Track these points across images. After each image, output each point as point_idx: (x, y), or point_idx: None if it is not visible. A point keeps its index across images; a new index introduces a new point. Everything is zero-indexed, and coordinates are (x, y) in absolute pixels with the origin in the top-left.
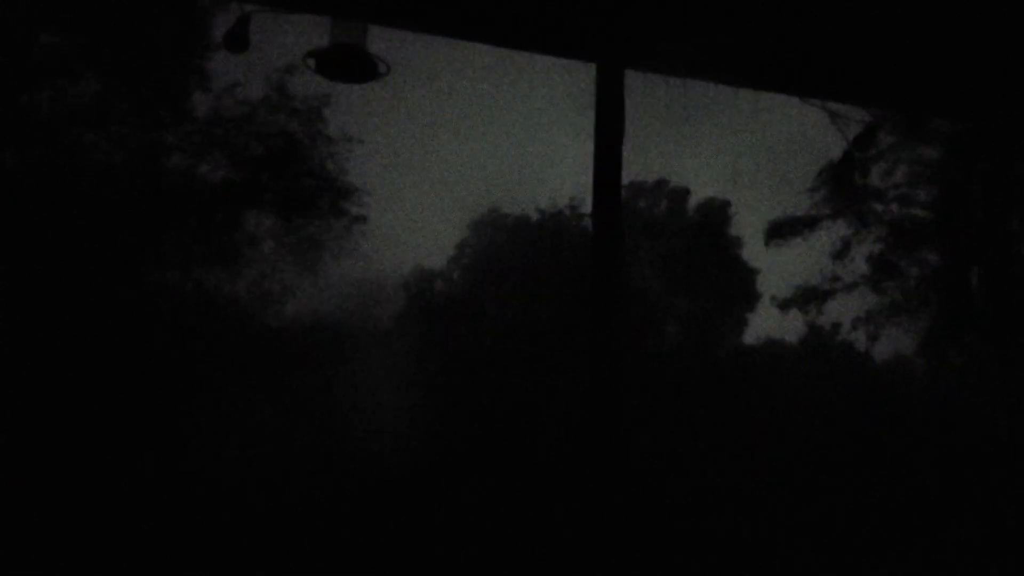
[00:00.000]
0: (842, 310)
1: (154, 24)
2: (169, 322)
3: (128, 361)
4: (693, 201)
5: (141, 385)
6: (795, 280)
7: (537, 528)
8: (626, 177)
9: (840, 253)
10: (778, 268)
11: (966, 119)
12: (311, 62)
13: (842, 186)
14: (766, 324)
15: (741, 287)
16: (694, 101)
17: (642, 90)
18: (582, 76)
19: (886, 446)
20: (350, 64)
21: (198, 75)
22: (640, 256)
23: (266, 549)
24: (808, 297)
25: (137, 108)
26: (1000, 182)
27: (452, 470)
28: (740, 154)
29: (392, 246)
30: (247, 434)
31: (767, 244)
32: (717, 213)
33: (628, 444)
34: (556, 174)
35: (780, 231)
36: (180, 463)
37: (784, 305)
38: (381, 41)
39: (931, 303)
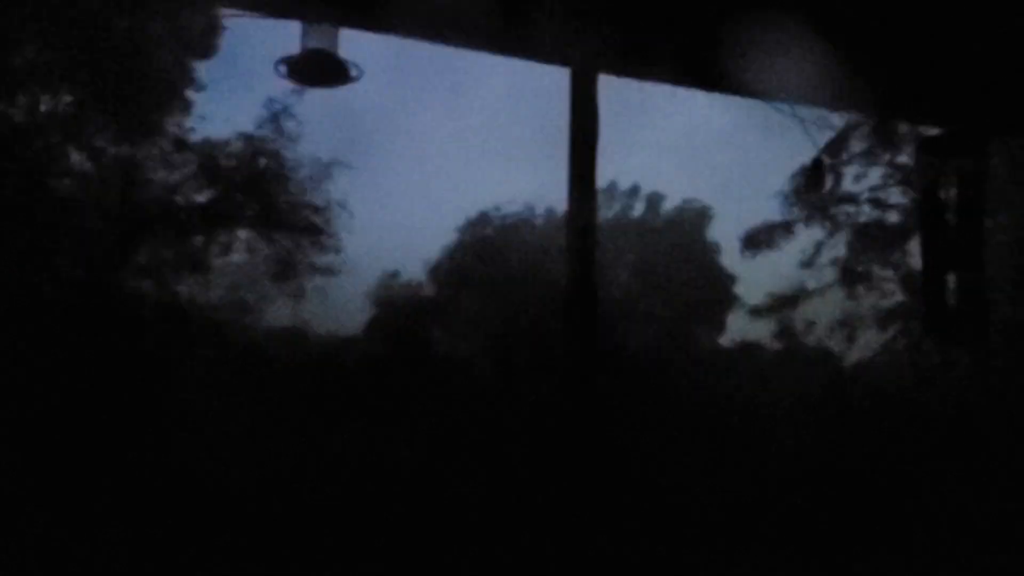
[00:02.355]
0: (818, 313)
1: (133, 37)
2: (142, 330)
3: (100, 367)
4: (671, 206)
5: (115, 389)
6: (771, 284)
7: (515, 528)
8: (603, 180)
9: (814, 258)
10: (756, 273)
11: (939, 122)
12: (283, 69)
13: (814, 191)
14: (743, 328)
15: (717, 292)
16: (666, 105)
17: (616, 94)
18: (561, 79)
19: (862, 445)
20: (322, 69)
21: (176, 87)
22: (618, 259)
23: (238, 549)
24: (783, 302)
25: (114, 120)
26: (974, 185)
27: (427, 475)
28: (713, 159)
29: (368, 251)
30: (221, 437)
31: (744, 252)
32: (695, 218)
33: (602, 443)
34: (534, 177)
35: (757, 239)
36: (153, 465)
37: (760, 310)
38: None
39: (905, 305)
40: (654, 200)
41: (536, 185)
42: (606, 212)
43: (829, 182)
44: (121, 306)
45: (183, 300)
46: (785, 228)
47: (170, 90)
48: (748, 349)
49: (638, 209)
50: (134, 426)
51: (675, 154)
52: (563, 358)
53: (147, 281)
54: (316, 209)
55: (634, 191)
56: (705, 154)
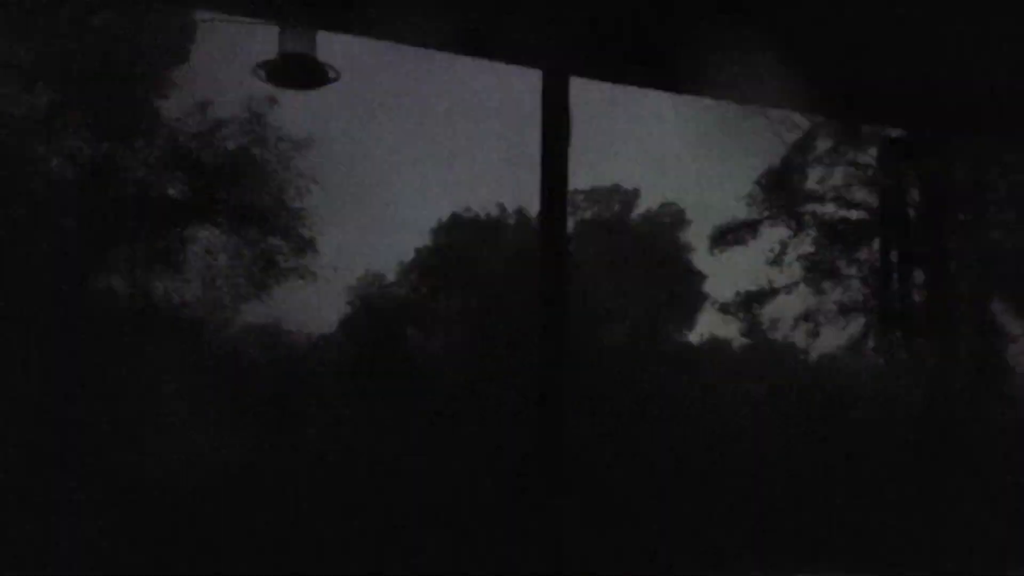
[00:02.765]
0: (784, 310)
1: (107, 32)
2: (114, 328)
3: (68, 366)
4: (645, 206)
5: (85, 387)
6: (738, 281)
7: (489, 526)
8: (578, 182)
9: (779, 255)
10: (724, 270)
11: (902, 124)
12: (262, 72)
13: (781, 190)
14: (712, 325)
15: (687, 289)
16: (641, 107)
17: (590, 96)
18: (533, 81)
19: (828, 440)
20: (300, 72)
21: (151, 86)
22: (591, 258)
23: (211, 549)
24: (750, 298)
25: (87, 116)
26: (936, 184)
27: (400, 475)
28: (686, 160)
29: (345, 251)
30: (194, 437)
31: (711, 251)
32: (669, 218)
33: (573, 441)
34: (511, 178)
35: (724, 237)
36: (124, 465)
37: (727, 306)
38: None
39: (869, 301)
40: (629, 201)
41: (510, 187)
42: (581, 213)
43: (796, 180)
44: (93, 304)
45: (157, 298)
46: (752, 226)
47: (145, 90)
48: (717, 345)
49: (613, 210)
50: (106, 425)
51: (646, 154)
52: (536, 357)
53: (120, 279)
54: (292, 210)
55: (609, 192)
56: (675, 154)
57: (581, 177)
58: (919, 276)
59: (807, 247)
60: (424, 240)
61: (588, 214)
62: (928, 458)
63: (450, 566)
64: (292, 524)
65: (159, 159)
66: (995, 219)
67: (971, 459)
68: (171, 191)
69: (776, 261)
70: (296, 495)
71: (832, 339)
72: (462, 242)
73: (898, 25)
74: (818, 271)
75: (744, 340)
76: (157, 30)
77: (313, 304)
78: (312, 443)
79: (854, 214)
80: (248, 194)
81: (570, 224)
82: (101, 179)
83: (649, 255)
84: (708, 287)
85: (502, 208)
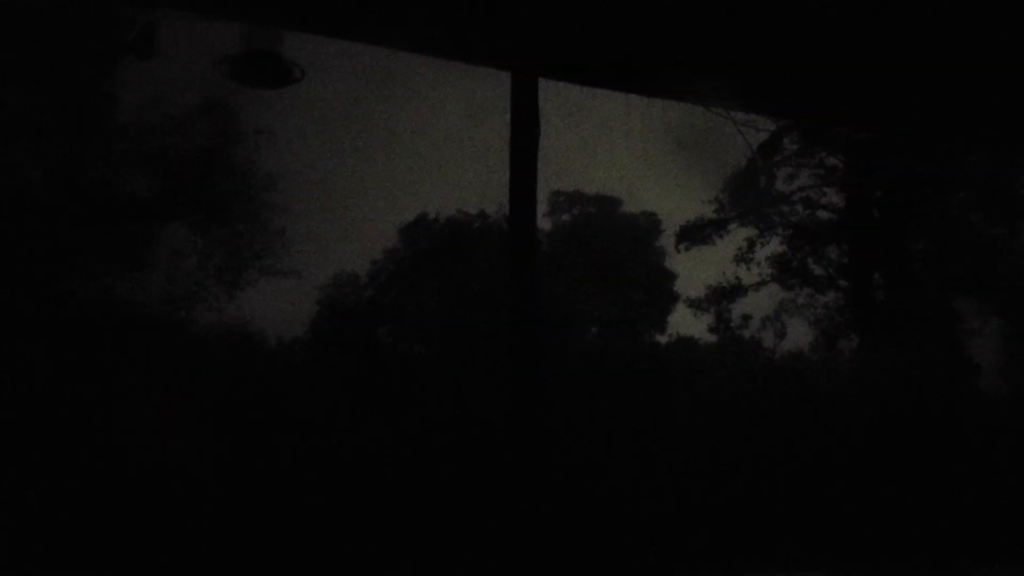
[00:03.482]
0: (751, 308)
1: (66, 32)
2: (77, 329)
3: (34, 367)
4: (622, 210)
5: (47, 388)
6: (707, 281)
7: (465, 528)
8: (553, 185)
9: (746, 255)
10: (693, 270)
11: (867, 126)
12: (224, 68)
13: (748, 192)
14: (683, 324)
15: (659, 290)
16: (611, 111)
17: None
18: (503, 82)
19: (795, 434)
20: (264, 70)
21: (112, 84)
22: (565, 260)
23: (181, 552)
24: (718, 297)
25: (49, 117)
26: (899, 186)
27: (372, 475)
28: (653, 160)
29: (313, 252)
30: (155, 437)
31: (677, 248)
32: (642, 222)
33: (549, 441)
34: (483, 178)
35: (690, 235)
36: (89, 468)
37: (696, 305)
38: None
39: (835, 299)
40: (601, 204)
41: (482, 188)
42: (553, 215)
43: (763, 181)
44: (58, 304)
45: (121, 298)
46: (719, 225)
47: (108, 87)
48: (685, 343)
49: (584, 212)
50: (73, 427)
51: (613, 155)
52: (506, 357)
53: (85, 278)
54: (260, 209)
55: (581, 195)
56: (643, 153)
57: (550, 178)
58: (884, 275)
59: (775, 246)
60: (393, 241)
61: (556, 214)
62: (892, 454)
63: (428, 569)
64: (261, 526)
65: (118, 157)
66: (960, 218)
67: (933, 453)
68: (133, 189)
69: (743, 259)
70: (269, 498)
71: (800, 337)
72: (431, 243)
73: (861, 30)
74: (787, 270)
75: (712, 336)
76: (119, 24)
77: (282, 302)
78: (287, 447)
79: (822, 215)
80: (215, 193)
81: (541, 225)
82: (63, 178)
83: (618, 256)
84: (678, 285)
85: (476, 208)
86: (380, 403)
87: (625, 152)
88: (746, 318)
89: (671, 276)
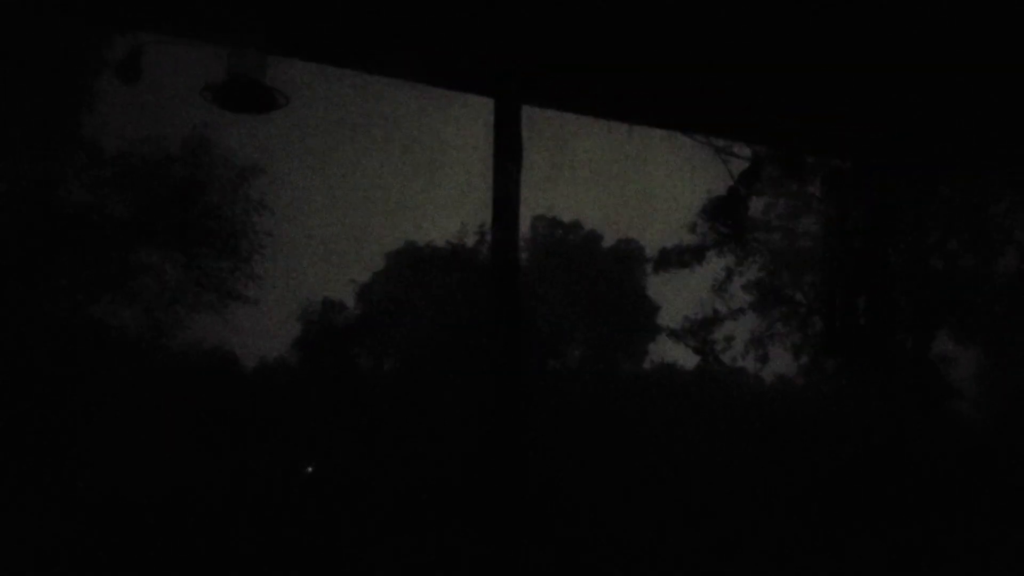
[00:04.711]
0: (732, 335)
1: (48, 54)
2: (55, 349)
3: (14, 385)
4: (607, 241)
5: (27, 406)
6: (688, 309)
7: (444, 549)
8: (535, 211)
9: (726, 283)
10: (674, 298)
11: (847, 155)
12: (208, 95)
13: (728, 219)
14: (665, 352)
15: (642, 318)
16: (590, 137)
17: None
18: (487, 108)
19: (775, 456)
20: (249, 96)
21: (93, 107)
22: (550, 288)
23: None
24: (699, 325)
25: (28, 138)
26: (879, 214)
27: (348, 499)
28: (632, 190)
29: (296, 276)
30: (134, 455)
31: (656, 272)
32: (627, 252)
33: (528, 465)
34: (468, 204)
35: (668, 260)
36: (66, 483)
37: (677, 333)
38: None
39: (814, 325)
40: (588, 232)
41: (466, 211)
42: (541, 241)
43: (743, 209)
44: (36, 324)
45: (99, 319)
46: (697, 252)
47: (90, 111)
48: (666, 369)
49: (570, 240)
50: (48, 444)
51: (595, 182)
52: (489, 378)
53: (64, 299)
54: (243, 231)
55: (571, 224)
56: (623, 181)
57: (532, 202)
58: (863, 303)
59: (753, 273)
60: (378, 265)
61: (539, 239)
62: (868, 477)
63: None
64: (241, 543)
65: (100, 181)
66: (938, 247)
67: (907, 476)
68: (115, 213)
69: (722, 288)
70: (250, 514)
71: (780, 364)
72: (415, 267)
73: (841, 62)
74: (766, 296)
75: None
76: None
77: (263, 323)
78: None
79: (801, 243)
80: (195, 218)
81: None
82: (40, 200)
83: (607, 283)
84: (659, 315)
85: (458, 230)
86: (357, 426)
87: (605, 178)
88: (728, 344)
89: (656, 307)
